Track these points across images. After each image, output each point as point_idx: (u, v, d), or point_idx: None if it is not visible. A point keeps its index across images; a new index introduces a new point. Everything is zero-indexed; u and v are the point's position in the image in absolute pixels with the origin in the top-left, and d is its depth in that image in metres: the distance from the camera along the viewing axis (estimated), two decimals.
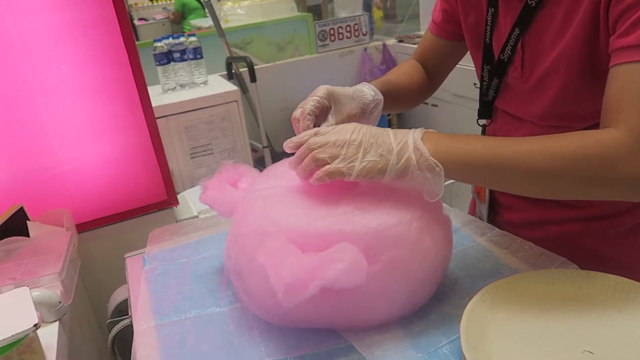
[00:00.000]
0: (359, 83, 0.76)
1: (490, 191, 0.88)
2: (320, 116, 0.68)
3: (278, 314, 0.63)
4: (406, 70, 0.89)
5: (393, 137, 0.57)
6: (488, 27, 0.75)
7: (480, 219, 0.89)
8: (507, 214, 0.86)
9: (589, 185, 0.54)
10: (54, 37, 1.05)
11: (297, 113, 0.67)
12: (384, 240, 0.56)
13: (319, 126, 0.66)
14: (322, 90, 0.68)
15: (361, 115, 0.72)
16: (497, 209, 0.88)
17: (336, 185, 0.63)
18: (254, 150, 2.50)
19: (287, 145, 0.63)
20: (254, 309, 0.66)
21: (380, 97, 0.74)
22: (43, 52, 1.05)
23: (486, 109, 0.82)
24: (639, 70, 0.52)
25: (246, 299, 0.67)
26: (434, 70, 0.91)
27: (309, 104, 0.66)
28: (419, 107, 2.69)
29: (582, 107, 0.66)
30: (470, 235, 0.78)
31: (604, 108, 0.56)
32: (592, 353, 0.50)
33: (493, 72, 0.77)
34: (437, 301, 0.64)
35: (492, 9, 0.74)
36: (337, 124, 0.67)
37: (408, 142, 0.56)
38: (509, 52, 0.72)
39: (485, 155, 0.55)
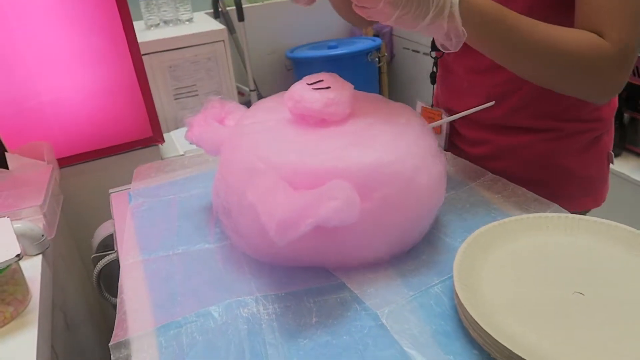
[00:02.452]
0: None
1: (451, 125, 0.88)
2: None
3: (269, 252, 0.62)
4: None
5: None
6: None
7: None
8: (471, 149, 0.86)
9: (571, 79, 0.60)
10: None
11: None
12: (378, 177, 0.55)
13: None
14: None
15: None
16: (458, 144, 0.89)
17: (329, 120, 0.61)
18: (240, 93, 2.44)
19: None
20: (244, 248, 0.65)
21: None
22: None
23: None
24: None
25: (235, 237, 0.65)
26: None
27: None
28: (411, 55, 2.64)
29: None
30: (463, 180, 0.77)
31: (587, 16, 0.59)
32: (583, 294, 0.51)
33: None
34: (429, 243, 0.64)
35: None
36: None
37: None
38: None
39: (506, 20, 0.58)
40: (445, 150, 0.90)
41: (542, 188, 0.72)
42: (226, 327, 0.54)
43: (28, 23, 1.02)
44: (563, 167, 0.80)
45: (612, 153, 0.83)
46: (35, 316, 0.65)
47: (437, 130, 0.90)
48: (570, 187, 0.80)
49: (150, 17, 2.12)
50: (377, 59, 2.54)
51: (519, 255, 0.57)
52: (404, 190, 0.56)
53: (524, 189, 0.73)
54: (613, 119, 0.81)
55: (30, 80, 1.04)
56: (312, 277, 0.60)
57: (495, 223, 0.60)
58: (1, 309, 0.62)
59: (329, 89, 0.62)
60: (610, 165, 0.84)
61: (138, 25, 2.13)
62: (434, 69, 0.89)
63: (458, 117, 0.68)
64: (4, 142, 0.96)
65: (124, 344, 0.53)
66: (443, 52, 0.82)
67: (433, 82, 0.90)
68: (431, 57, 0.88)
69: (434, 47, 0.84)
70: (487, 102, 0.79)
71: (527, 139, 0.80)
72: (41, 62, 1.05)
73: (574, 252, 0.57)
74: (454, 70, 0.85)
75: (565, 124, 0.78)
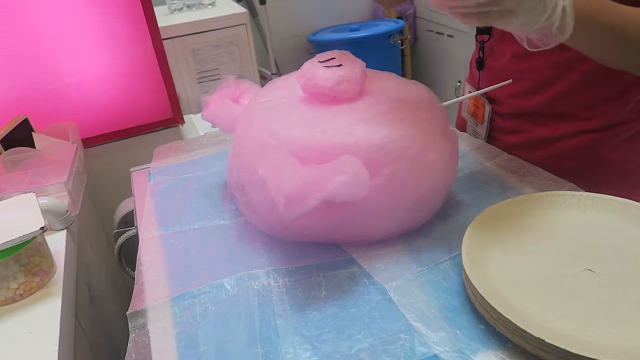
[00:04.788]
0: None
1: (492, 114, 0.85)
2: None
3: (280, 227, 0.63)
4: None
5: None
6: None
7: None
8: (509, 138, 0.83)
9: None
10: None
11: None
12: (387, 153, 0.55)
13: None
14: None
15: None
16: (494, 134, 0.86)
17: (341, 97, 0.61)
18: (262, 77, 2.45)
19: None
20: (257, 223, 0.67)
21: None
22: None
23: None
24: None
25: (248, 213, 0.67)
26: None
27: None
28: (435, 38, 2.60)
29: None
30: (478, 159, 0.77)
31: None
32: (593, 271, 0.51)
33: None
34: (441, 220, 0.64)
35: None
36: None
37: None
38: None
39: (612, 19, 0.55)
40: (486, 139, 0.86)
41: (578, 181, 0.68)
42: (237, 298, 0.55)
43: (52, 8, 1.05)
44: (603, 160, 0.75)
45: None
46: (59, 287, 0.67)
47: (479, 120, 0.86)
48: (609, 182, 0.75)
49: (174, 2, 2.14)
50: (399, 42, 2.51)
51: (530, 232, 0.57)
52: (413, 166, 0.57)
53: (539, 169, 0.72)
54: None
55: (55, 64, 1.07)
56: (322, 252, 0.61)
57: (508, 200, 0.60)
58: (28, 279, 0.65)
59: (341, 67, 0.62)
60: None
61: (161, 10, 2.17)
62: (480, 54, 0.84)
63: (472, 96, 0.67)
64: (31, 122, 1.00)
65: (141, 313, 0.55)
66: (490, 36, 0.81)
67: (480, 67, 0.85)
68: (476, 40, 0.84)
69: (479, 30, 0.80)
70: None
71: (567, 129, 0.76)
72: (65, 46, 1.08)
73: (585, 229, 0.57)
74: (497, 55, 0.81)
75: (610, 112, 0.73)
